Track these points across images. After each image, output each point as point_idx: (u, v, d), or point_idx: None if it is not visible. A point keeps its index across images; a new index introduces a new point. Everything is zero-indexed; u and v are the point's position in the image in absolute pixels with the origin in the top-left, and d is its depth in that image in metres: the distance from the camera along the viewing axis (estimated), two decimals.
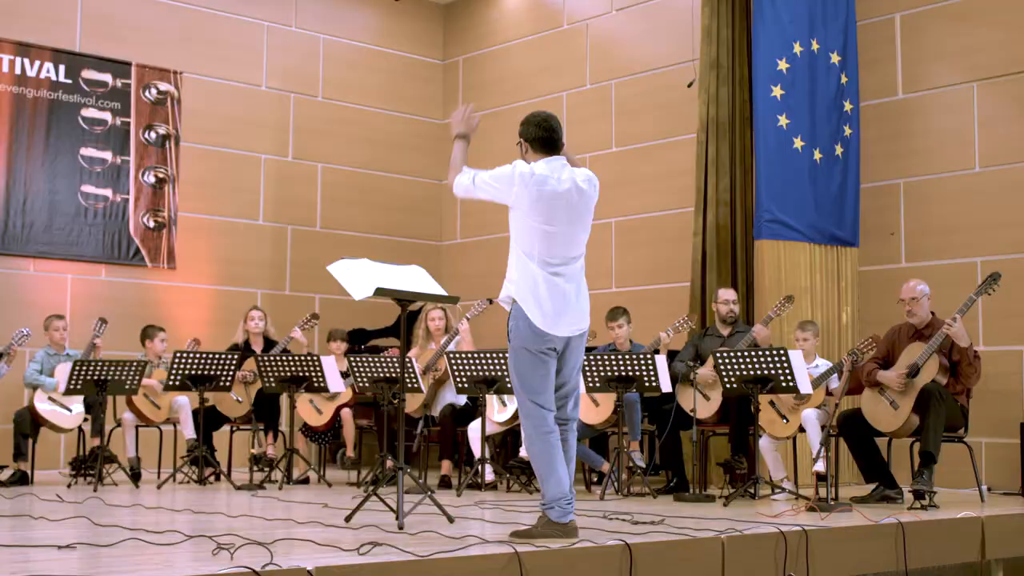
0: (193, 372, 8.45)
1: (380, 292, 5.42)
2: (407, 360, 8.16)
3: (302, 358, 8.48)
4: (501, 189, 5.09)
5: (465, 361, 7.89)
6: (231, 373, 8.58)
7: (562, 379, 5.17)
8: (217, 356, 8.53)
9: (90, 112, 10.78)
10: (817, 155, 9.22)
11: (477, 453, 8.24)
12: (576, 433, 5.26)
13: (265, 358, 8.54)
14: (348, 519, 5.67)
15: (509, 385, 7.64)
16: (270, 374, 8.54)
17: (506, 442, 8.94)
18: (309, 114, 12.15)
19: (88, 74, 10.78)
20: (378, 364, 8.30)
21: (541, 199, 5.03)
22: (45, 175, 10.51)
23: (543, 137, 5.17)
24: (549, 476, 4.98)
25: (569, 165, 5.23)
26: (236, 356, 8.67)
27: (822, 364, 7.87)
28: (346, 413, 9.29)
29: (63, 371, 8.56)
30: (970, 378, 7.14)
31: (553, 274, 5.05)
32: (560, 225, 5.06)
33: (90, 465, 8.44)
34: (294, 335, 9.14)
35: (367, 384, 8.40)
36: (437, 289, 5.87)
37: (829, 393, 7.62)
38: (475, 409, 8.58)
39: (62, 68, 10.65)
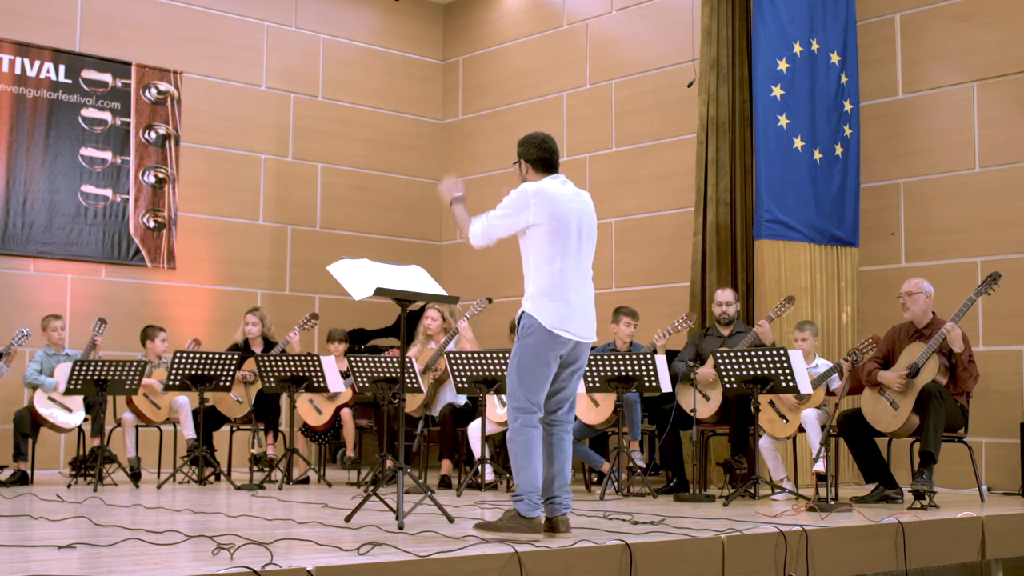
0: (193, 372, 8.45)
1: (380, 292, 5.43)
2: (407, 360, 8.16)
3: (302, 358, 8.48)
4: (515, 213, 5.23)
5: (465, 361, 7.89)
6: (231, 373, 8.58)
7: (561, 384, 5.29)
8: (217, 356, 8.53)
9: (90, 112, 10.79)
10: (817, 155, 9.22)
11: (477, 453, 8.23)
12: (572, 434, 5.36)
13: (265, 358, 8.54)
14: (348, 519, 5.67)
15: None
16: (270, 374, 8.54)
17: (506, 442, 8.93)
18: (309, 114, 12.15)
19: (88, 74, 10.79)
20: (378, 364, 8.31)
21: (555, 213, 5.19)
22: (45, 175, 10.51)
23: (544, 158, 5.35)
24: (526, 467, 5.09)
25: (570, 182, 5.43)
26: (236, 356, 8.67)
27: (822, 364, 7.87)
28: (346, 413, 9.29)
29: (63, 371, 8.56)
30: (966, 382, 7.14)
31: (567, 286, 5.19)
32: (570, 239, 5.21)
33: (90, 465, 8.44)
34: (292, 338, 9.12)
35: (367, 384, 8.40)
36: (437, 289, 5.87)
37: (830, 393, 7.62)
38: (475, 409, 8.58)
39: (62, 68, 10.65)
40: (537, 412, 5.16)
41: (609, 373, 7.69)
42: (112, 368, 8.13)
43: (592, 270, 5.39)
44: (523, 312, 5.20)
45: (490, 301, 8.91)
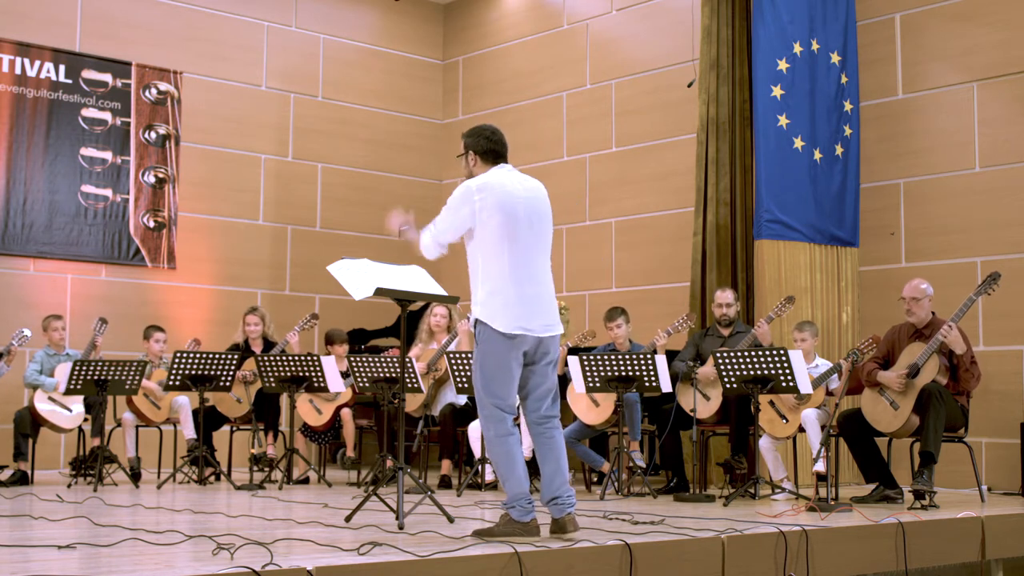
0: (193, 372, 8.45)
1: (380, 292, 5.43)
2: (407, 360, 8.16)
3: (302, 358, 8.48)
4: (459, 214, 5.11)
5: (465, 361, 7.89)
6: (231, 373, 8.58)
7: (537, 381, 5.17)
8: (217, 356, 8.53)
9: (90, 112, 10.79)
10: (817, 155, 9.22)
11: (477, 453, 8.23)
12: (561, 430, 5.24)
13: (265, 358, 8.54)
14: (348, 519, 5.67)
15: None
16: (270, 374, 8.54)
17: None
18: (309, 114, 12.15)
19: (88, 74, 10.79)
20: (378, 364, 8.30)
21: (502, 204, 5.05)
22: (45, 175, 10.51)
23: (493, 149, 5.23)
24: (510, 476, 5.03)
25: (516, 170, 5.28)
26: (236, 356, 8.67)
27: (822, 364, 7.87)
28: (346, 413, 9.29)
29: (63, 371, 8.56)
30: (968, 382, 7.14)
31: (521, 278, 5.05)
32: (521, 228, 5.07)
33: (90, 465, 8.44)
34: (291, 339, 9.11)
35: (367, 384, 8.40)
36: (437, 289, 5.87)
37: (829, 393, 7.62)
38: (475, 409, 8.56)
39: (62, 68, 10.65)
40: (509, 415, 5.06)
41: (609, 373, 7.68)
42: (112, 368, 8.13)
43: (550, 260, 5.24)
44: (476, 319, 5.05)
45: None
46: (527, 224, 5.08)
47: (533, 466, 5.69)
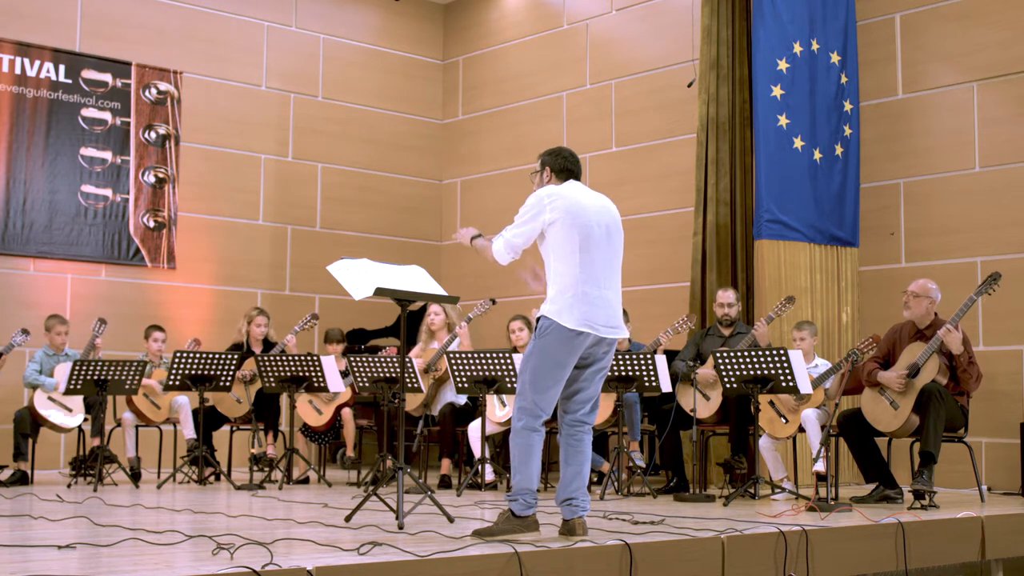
0: (193, 372, 8.45)
1: (380, 292, 5.44)
2: (407, 360, 8.16)
3: (302, 358, 8.48)
4: (533, 219, 5.20)
5: (465, 361, 7.89)
6: (231, 373, 8.58)
7: (582, 386, 5.22)
8: (217, 356, 8.54)
9: (90, 112, 10.79)
10: (817, 155, 9.22)
11: (477, 453, 8.24)
12: (591, 436, 5.29)
13: (265, 358, 8.55)
14: (348, 519, 5.68)
15: (510, 385, 7.64)
16: (270, 374, 8.54)
17: (506, 442, 8.94)
18: (309, 114, 12.15)
19: (88, 74, 10.79)
20: (378, 364, 8.31)
21: (571, 208, 5.15)
22: (45, 175, 10.51)
23: (568, 168, 5.38)
24: (522, 468, 5.07)
25: (587, 187, 5.42)
26: (236, 356, 8.67)
27: (821, 364, 7.87)
28: (346, 413, 9.29)
29: (63, 371, 8.56)
30: (968, 383, 7.13)
31: (589, 281, 5.12)
32: (591, 238, 5.16)
33: (90, 465, 8.44)
34: (289, 341, 9.10)
35: (367, 384, 8.40)
36: (437, 289, 5.88)
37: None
38: (475, 409, 8.58)
39: (62, 68, 10.65)
40: (542, 416, 5.09)
41: (609, 373, 7.68)
42: (112, 368, 8.13)
43: (620, 271, 5.32)
44: (541, 315, 5.11)
45: (494, 302, 8.90)
46: (598, 234, 5.17)
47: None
